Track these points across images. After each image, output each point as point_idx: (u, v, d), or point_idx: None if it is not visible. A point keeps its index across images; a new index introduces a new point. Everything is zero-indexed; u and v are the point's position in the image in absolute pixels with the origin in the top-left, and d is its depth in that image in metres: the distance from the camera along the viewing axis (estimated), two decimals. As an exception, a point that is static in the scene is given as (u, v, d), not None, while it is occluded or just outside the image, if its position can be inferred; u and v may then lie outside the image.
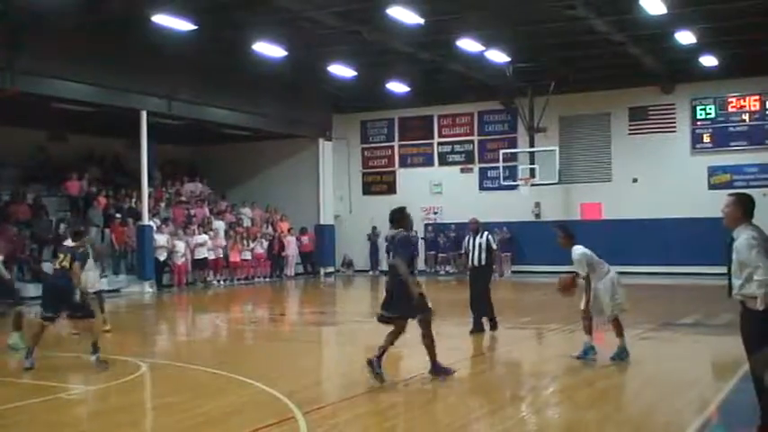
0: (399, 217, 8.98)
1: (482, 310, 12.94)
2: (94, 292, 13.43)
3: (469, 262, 13.12)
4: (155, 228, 23.47)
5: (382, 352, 8.69)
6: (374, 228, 29.75)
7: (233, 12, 19.10)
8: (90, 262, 13.89)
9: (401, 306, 8.63)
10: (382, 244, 29.56)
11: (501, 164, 27.67)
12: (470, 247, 12.98)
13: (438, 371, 8.98)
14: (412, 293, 8.52)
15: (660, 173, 26.44)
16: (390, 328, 8.88)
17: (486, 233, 13.17)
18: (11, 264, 12.56)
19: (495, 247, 13.34)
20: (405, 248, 8.78)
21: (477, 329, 12.79)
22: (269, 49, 21.27)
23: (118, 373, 9.90)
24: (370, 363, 8.60)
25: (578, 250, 9.81)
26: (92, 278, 13.79)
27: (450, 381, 9.17)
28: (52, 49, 19.41)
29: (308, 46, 22.04)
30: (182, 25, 18.75)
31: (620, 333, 9.89)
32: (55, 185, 24.66)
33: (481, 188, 29.25)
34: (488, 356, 11.51)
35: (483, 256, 12.91)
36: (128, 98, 22.15)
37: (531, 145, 27.33)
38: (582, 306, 9.97)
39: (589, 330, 10.00)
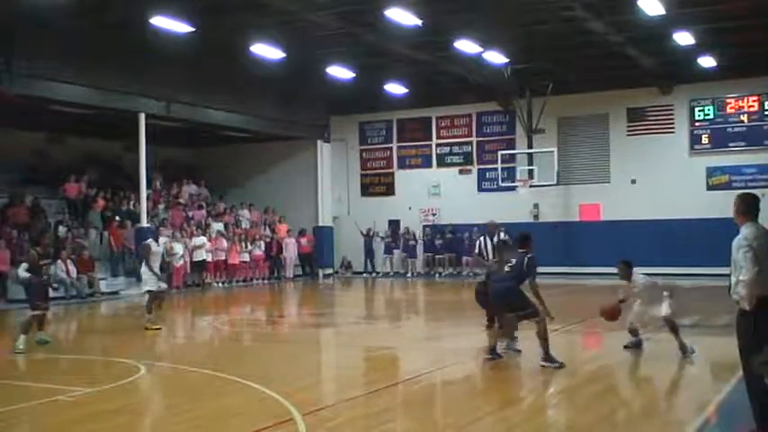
0: (527, 242, 10.17)
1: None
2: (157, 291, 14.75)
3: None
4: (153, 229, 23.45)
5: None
6: (369, 229, 29.75)
7: (231, 13, 19.10)
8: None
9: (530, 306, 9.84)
10: (379, 245, 29.73)
11: (499, 165, 27.67)
12: (487, 249, 13.19)
13: (549, 360, 9.65)
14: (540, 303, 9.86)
15: (658, 174, 26.47)
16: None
17: (505, 235, 13.58)
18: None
19: None
20: (534, 269, 9.98)
21: (491, 325, 13.17)
22: (267, 51, 21.27)
23: (117, 375, 9.90)
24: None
25: (642, 280, 10.57)
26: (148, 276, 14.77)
27: (449, 381, 9.13)
28: (50, 52, 19.41)
29: (306, 47, 22.04)
30: (180, 27, 18.75)
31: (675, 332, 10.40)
32: (53, 188, 24.66)
33: (480, 189, 29.27)
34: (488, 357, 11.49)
35: None
36: (126, 100, 22.15)
37: (530, 146, 27.34)
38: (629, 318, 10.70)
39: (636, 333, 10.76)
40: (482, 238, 13.63)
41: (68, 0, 17.10)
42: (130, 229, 23.40)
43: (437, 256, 29.01)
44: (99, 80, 21.09)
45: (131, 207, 24.58)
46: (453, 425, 7.35)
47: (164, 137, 25.22)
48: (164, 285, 15.44)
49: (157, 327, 14.43)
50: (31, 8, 17.41)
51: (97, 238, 23.65)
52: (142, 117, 22.48)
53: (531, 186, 26.73)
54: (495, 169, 28.05)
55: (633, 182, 27.03)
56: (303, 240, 28.62)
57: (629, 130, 27.29)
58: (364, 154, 31.43)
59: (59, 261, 21.17)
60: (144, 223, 22.89)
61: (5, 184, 23.43)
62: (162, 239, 23.42)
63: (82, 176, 24.91)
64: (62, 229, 22.75)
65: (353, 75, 24.66)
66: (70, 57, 19.89)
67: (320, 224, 29.51)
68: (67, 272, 21.15)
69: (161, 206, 26.20)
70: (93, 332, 16.13)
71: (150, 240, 15.43)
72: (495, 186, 28.25)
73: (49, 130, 24.94)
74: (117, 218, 23.88)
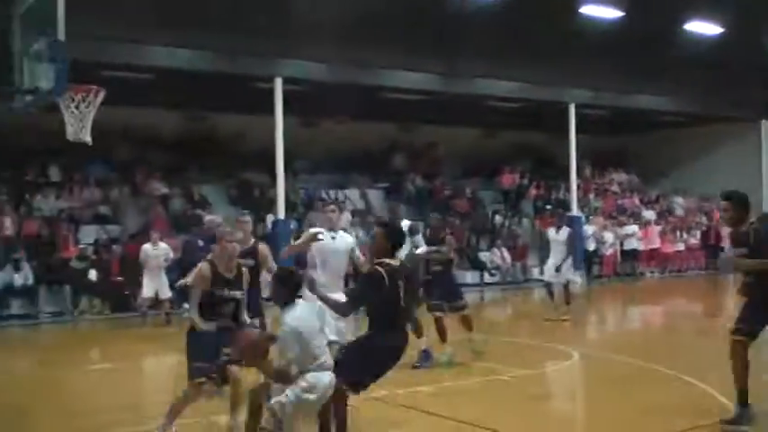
0: None
1: None
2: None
3: None
4: (584, 218, 23.66)
5: None
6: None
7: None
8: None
9: None
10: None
11: None
12: None
13: None
14: None
15: None
16: None
17: None
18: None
19: None
20: None
21: None
22: (703, 28, 20.02)
23: (551, 359, 10.15)
24: None
25: None
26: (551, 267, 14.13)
27: None
28: (486, 51, 20.53)
29: (747, 20, 20.24)
30: (609, 13, 18.60)
31: None
32: (490, 179, 26.21)
33: None
34: None
35: None
36: (555, 92, 22.63)
37: None
38: None
39: None
40: None
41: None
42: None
43: None
44: (529, 74, 21.81)
45: (561, 196, 25.06)
46: None
47: (592, 125, 25.22)
48: (564, 278, 13.93)
49: (563, 318, 13.78)
50: (463, 10, 18.61)
51: (529, 226, 24.59)
52: (571, 107, 22.76)
53: None
54: None
55: None
56: (744, 229, 26.40)
57: None
58: (819, 132, 27.85)
59: (494, 248, 22.57)
60: (574, 212, 23.17)
61: (449, 177, 25.54)
62: (592, 227, 23.57)
63: (515, 168, 26.11)
64: (498, 218, 24.14)
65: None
66: (503, 54, 20.83)
67: (765, 211, 26.92)
68: (503, 258, 22.37)
69: (591, 195, 26.29)
70: (526, 317, 16.74)
71: (550, 230, 14.71)
72: None
73: (484, 125, 26.51)
74: (548, 206, 24.54)
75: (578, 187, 24.28)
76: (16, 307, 16.34)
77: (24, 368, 11.72)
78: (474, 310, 12.35)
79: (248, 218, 7.94)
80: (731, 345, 6.75)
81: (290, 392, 5.26)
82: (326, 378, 5.38)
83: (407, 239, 9.25)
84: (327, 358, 5.43)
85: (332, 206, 7.57)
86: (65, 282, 16.61)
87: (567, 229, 14.25)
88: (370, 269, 5.91)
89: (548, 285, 14.24)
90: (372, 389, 8.06)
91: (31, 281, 16.36)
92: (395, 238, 5.99)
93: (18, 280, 16.23)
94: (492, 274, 22.18)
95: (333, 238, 7.13)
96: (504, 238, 23.11)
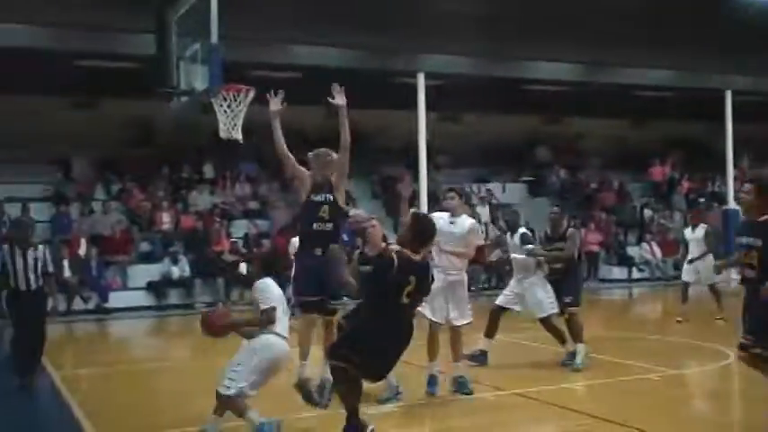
0: None
1: None
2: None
3: None
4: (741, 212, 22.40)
5: None
6: None
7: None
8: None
9: None
10: None
11: None
12: None
13: None
14: None
15: None
16: None
17: None
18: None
19: None
20: None
21: None
22: None
23: (703, 359, 9.73)
24: None
25: None
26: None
27: None
28: (630, 38, 19.70)
29: None
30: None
31: None
32: (638, 172, 25.30)
33: None
34: None
35: None
36: (710, 79, 21.53)
37: None
38: None
39: None
40: None
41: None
42: (716, 211, 22.70)
43: None
44: (682, 62, 20.84)
45: (716, 188, 23.88)
46: None
47: (752, 113, 23.81)
48: (709, 279, 13.16)
49: (717, 317, 13.10)
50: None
51: (681, 221, 23.57)
52: (728, 94, 21.60)
53: None
54: None
55: None
56: None
57: None
58: None
59: (643, 243, 21.81)
60: (731, 204, 21.98)
61: (595, 169, 24.88)
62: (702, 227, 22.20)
63: (666, 159, 25.08)
64: (647, 212, 23.29)
65: None
66: (651, 41, 19.91)
67: None
68: (652, 253, 21.56)
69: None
70: (677, 315, 16.05)
71: (686, 229, 14.08)
72: None
73: (632, 115, 25.61)
74: (701, 200, 23.43)
75: (735, 179, 22.99)
76: (174, 297, 17.28)
77: (178, 355, 12.42)
78: (622, 306, 11.99)
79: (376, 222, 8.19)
80: (753, 365, 6.03)
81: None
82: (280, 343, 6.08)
83: (520, 248, 9.12)
84: (283, 331, 6.12)
85: (451, 193, 8.13)
86: (218, 274, 17.43)
87: (704, 226, 13.57)
88: (382, 251, 6.02)
89: (685, 285, 13.61)
90: (516, 385, 8.09)
91: (187, 272, 17.29)
92: (419, 233, 5.92)
93: (175, 272, 17.20)
94: (641, 270, 21.42)
95: (451, 222, 7.80)
96: (653, 233, 22.26)
